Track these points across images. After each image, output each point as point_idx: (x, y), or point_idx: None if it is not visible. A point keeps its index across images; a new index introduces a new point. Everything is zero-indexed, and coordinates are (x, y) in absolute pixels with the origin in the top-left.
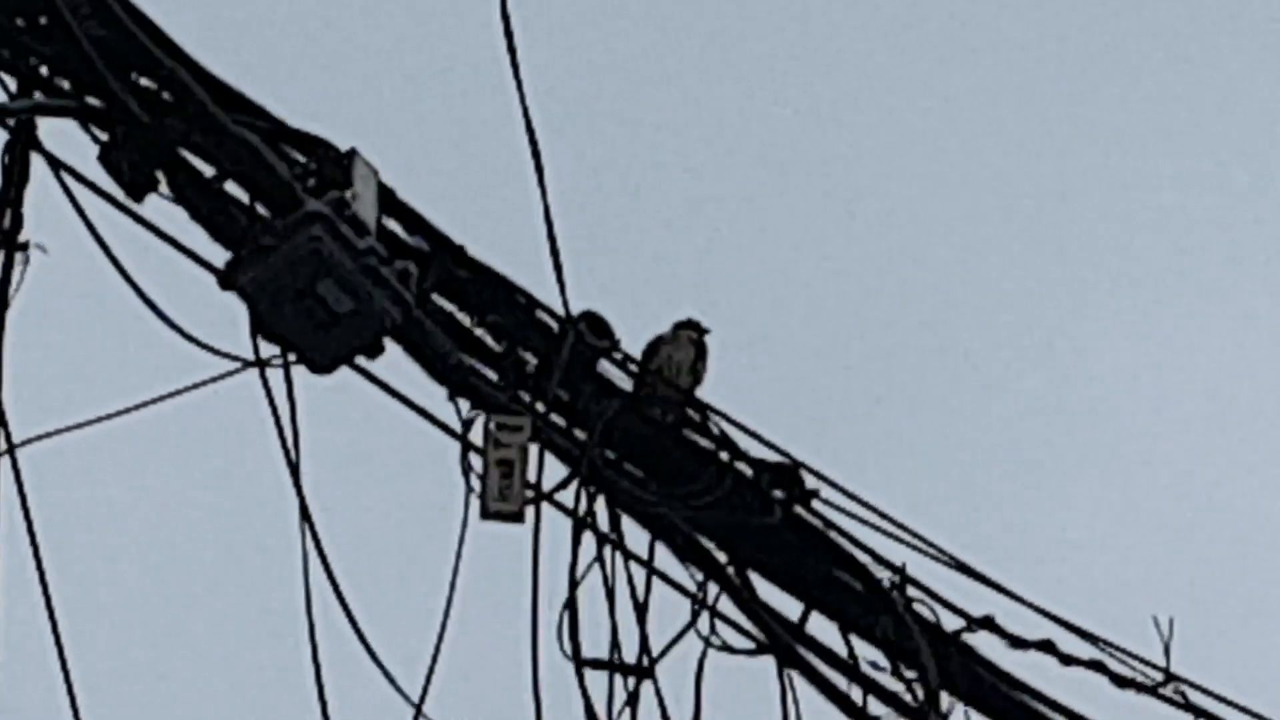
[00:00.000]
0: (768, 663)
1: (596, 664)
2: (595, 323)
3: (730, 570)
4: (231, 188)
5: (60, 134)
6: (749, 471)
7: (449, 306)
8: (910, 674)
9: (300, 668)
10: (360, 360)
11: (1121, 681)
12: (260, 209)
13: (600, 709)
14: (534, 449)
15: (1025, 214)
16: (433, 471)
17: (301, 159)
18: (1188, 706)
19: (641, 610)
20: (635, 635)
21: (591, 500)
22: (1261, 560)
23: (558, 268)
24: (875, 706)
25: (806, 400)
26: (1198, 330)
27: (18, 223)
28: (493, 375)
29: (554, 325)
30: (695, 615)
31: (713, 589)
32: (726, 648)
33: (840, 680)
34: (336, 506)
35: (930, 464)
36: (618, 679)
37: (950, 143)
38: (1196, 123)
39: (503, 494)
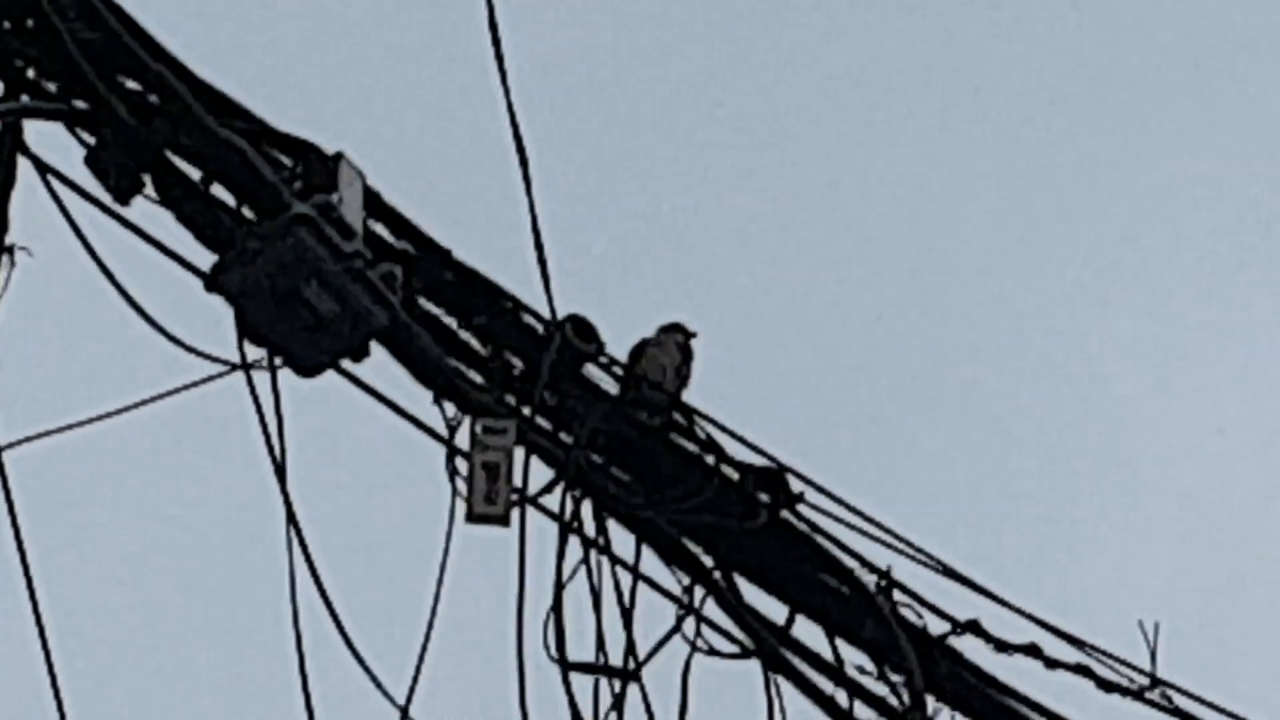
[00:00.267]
0: (753, 666)
1: (582, 667)
2: (581, 326)
3: (716, 574)
4: (218, 191)
5: (46, 137)
6: (735, 475)
7: (435, 310)
8: (896, 677)
9: (286, 670)
10: (346, 363)
11: (1107, 686)
12: (246, 212)
13: (586, 712)
14: (520, 452)
15: (1015, 213)
16: (418, 475)
17: (288, 162)
18: (1173, 711)
19: (627, 614)
20: (621, 639)
21: (577, 504)
22: (1247, 564)
23: (544, 271)
24: (861, 710)
25: (792, 404)
26: (1186, 333)
27: (3, 226)
28: (479, 378)
29: (540, 329)
30: (681, 619)
31: (698, 592)
32: (712, 651)
33: (826, 684)
34: (322, 509)
35: (915, 468)
36: (603, 682)
37: (948, 142)
38: (1218, 133)
39: (488, 497)
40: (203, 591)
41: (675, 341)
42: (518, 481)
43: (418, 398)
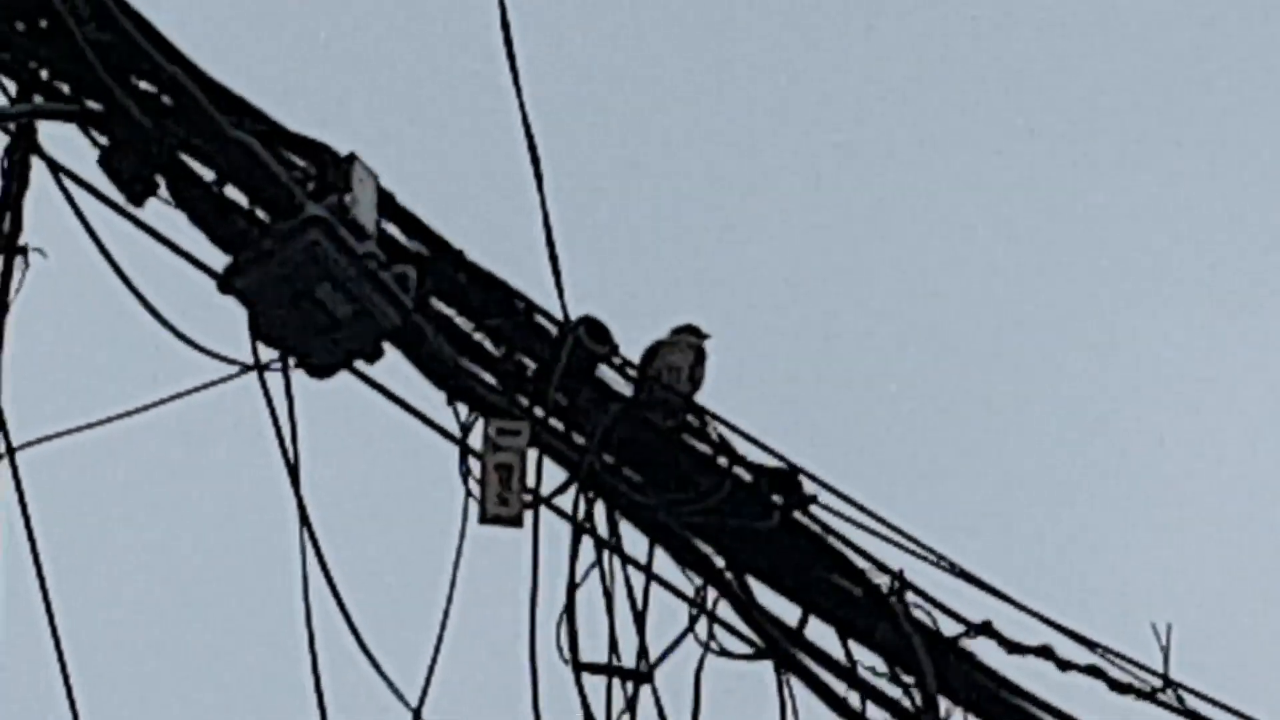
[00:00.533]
0: (766, 668)
1: (595, 668)
2: (594, 327)
3: (729, 575)
4: (231, 192)
5: (60, 138)
6: (747, 476)
7: (448, 311)
8: (908, 679)
9: (299, 672)
10: (359, 364)
11: (1119, 687)
12: (260, 213)
13: (599, 714)
14: (533, 453)
15: (1034, 218)
16: (432, 476)
17: (301, 163)
18: (1185, 712)
19: (640, 615)
20: (634, 640)
21: (590, 505)
22: (1260, 565)
23: (556, 272)
24: (873, 712)
25: (805, 406)
26: (1200, 338)
27: (17, 227)
28: (492, 380)
29: (553, 330)
30: (694, 620)
31: (711, 594)
32: (725, 653)
33: (839, 685)
34: (335, 510)
35: (928, 470)
36: (616, 683)
37: (972, 149)
38: (1246, 146)
39: (502, 498)
40: (215, 592)
41: (688, 343)
42: (531, 483)
43: (431, 399)
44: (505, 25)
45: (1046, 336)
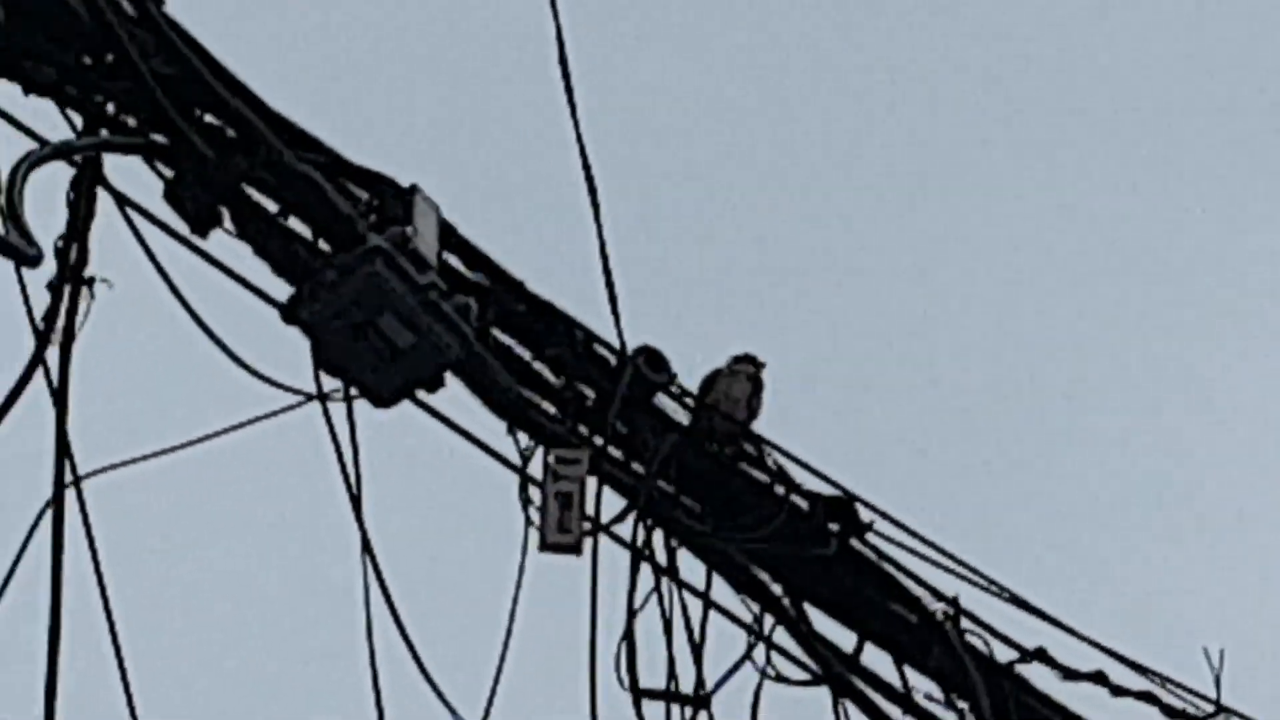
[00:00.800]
0: (823, 693)
1: (654, 694)
2: (652, 357)
3: (786, 602)
4: (294, 223)
5: (126, 171)
6: (804, 504)
7: (508, 341)
8: (963, 704)
9: (362, 699)
10: (421, 394)
11: (1172, 713)
12: (322, 244)
13: None
14: (592, 482)
15: (1085, 246)
16: (492, 504)
17: (363, 195)
18: None
19: (698, 641)
20: (692, 666)
21: (649, 532)
22: None
23: (614, 302)
24: None
25: (861, 434)
26: (1249, 361)
27: (84, 258)
28: (551, 409)
29: (612, 359)
30: (751, 646)
31: (768, 620)
32: (782, 678)
33: (894, 711)
34: (397, 539)
35: (983, 497)
36: (675, 709)
37: (1022, 177)
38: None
39: (561, 526)
40: (279, 621)
41: (746, 372)
42: (590, 510)
43: (491, 428)
44: (563, 58)
45: (1098, 366)
